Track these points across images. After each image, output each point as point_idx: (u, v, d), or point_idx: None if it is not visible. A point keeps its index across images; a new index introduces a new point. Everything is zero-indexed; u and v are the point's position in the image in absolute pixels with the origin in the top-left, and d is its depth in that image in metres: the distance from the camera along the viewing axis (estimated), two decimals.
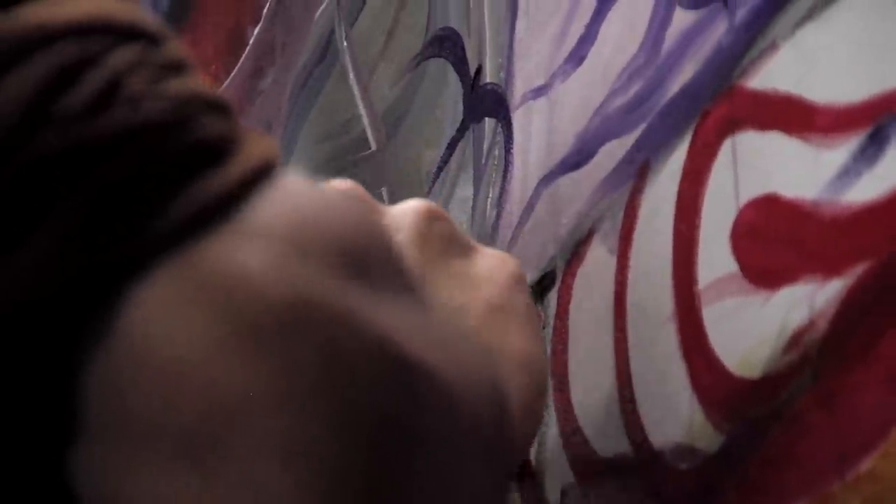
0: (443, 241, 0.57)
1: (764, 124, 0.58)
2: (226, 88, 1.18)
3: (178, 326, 0.34)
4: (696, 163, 0.62)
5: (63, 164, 0.34)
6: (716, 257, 0.59)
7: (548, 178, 0.75)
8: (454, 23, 0.90)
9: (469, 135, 0.86)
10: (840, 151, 0.53)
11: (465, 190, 0.86)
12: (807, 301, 0.54)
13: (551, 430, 0.70)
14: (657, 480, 0.62)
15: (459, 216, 0.85)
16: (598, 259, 0.69)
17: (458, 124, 0.88)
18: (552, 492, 0.71)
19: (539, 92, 0.77)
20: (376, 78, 1.00)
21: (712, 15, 0.62)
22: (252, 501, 0.34)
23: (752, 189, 0.58)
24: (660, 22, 0.66)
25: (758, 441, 0.56)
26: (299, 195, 0.37)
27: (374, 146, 0.99)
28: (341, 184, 0.57)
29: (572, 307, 0.72)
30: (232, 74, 1.18)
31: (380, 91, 0.99)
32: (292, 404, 0.34)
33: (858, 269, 0.51)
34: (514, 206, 0.79)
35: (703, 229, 0.61)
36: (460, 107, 0.88)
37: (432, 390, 0.37)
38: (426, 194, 0.90)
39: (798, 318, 0.54)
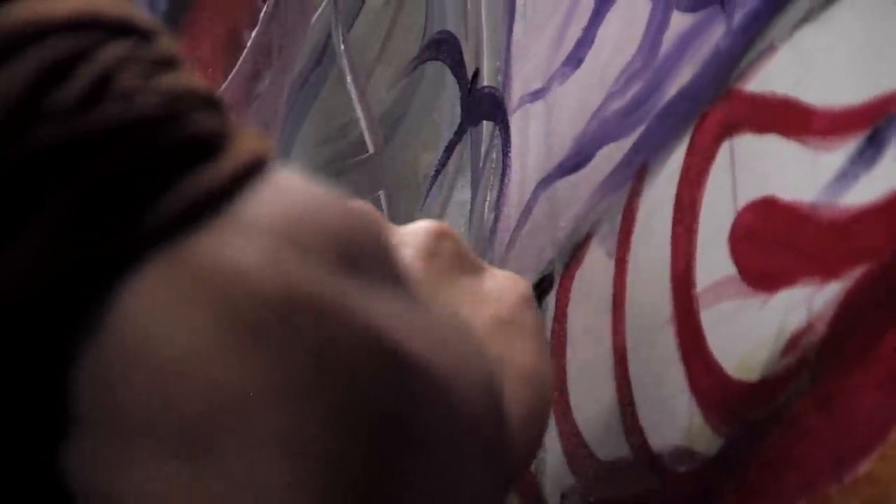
0: (452, 258, 0.57)
1: (762, 127, 0.58)
2: (223, 91, 1.18)
3: (170, 321, 0.34)
4: (694, 166, 0.62)
5: (54, 158, 0.34)
6: (714, 260, 0.59)
7: (546, 182, 0.75)
8: (452, 26, 0.90)
9: (467, 138, 0.86)
10: (838, 154, 0.53)
11: (462, 193, 0.86)
12: (805, 304, 0.54)
13: (550, 433, 0.70)
14: (656, 483, 0.62)
15: (457, 220, 0.85)
16: (597, 262, 0.69)
17: (455, 127, 0.88)
18: (552, 495, 0.71)
19: (536, 95, 0.77)
20: (374, 81, 1.00)
21: (710, 18, 0.62)
22: (248, 497, 0.34)
23: (750, 192, 0.58)
24: (657, 25, 0.66)
25: (756, 444, 0.56)
26: (292, 190, 0.37)
27: (371, 149, 0.99)
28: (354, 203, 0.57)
29: (570, 310, 0.72)
30: (229, 77, 1.18)
31: (377, 94, 0.99)
32: (288, 399, 0.34)
33: (856, 272, 0.51)
34: (511, 209, 0.79)
35: (701, 232, 0.61)
36: (458, 110, 0.88)
37: (429, 386, 0.37)
38: (424, 198, 0.90)
39: (796, 320, 0.54)
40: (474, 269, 0.58)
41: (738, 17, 0.60)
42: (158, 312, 0.34)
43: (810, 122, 0.54)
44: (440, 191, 0.89)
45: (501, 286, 0.57)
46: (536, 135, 0.77)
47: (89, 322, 0.34)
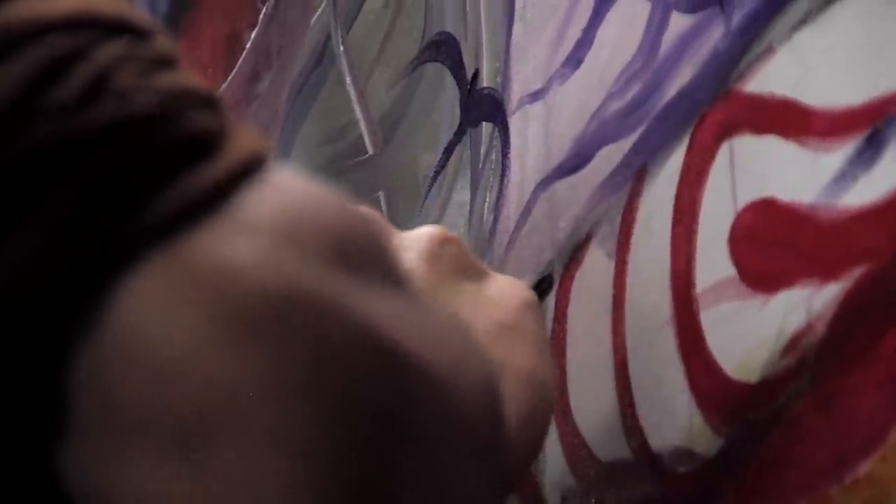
0: (455, 263, 0.57)
1: (761, 128, 0.58)
2: (223, 92, 1.18)
3: (166, 320, 0.34)
4: (694, 167, 0.62)
5: (51, 157, 0.34)
6: (714, 261, 0.59)
7: (545, 183, 0.75)
8: (451, 27, 0.90)
9: (466, 139, 0.86)
10: (837, 155, 0.53)
11: (462, 194, 0.86)
12: (804, 305, 0.54)
13: (551, 434, 0.70)
14: (656, 484, 0.63)
15: (456, 220, 0.85)
16: (596, 263, 0.69)
17: (455, 128, 0.88)
18: (552, 496, 0.71)
19: (536, 96, 0.77)
20: (373, 82, 1.00)
21: (709, 19, 0.62)
22: (244, 496, 0.34)
23: (750, 193, 0.58)
24: (657, 26, 0.66)
25: (756, 444, 0.56)
26: (289, 188, 0.37)
27: (370, 150, 0.99)
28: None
29: (570, 311, 0.72)
30: (229, 78, 1.18)
31: (376, 95, 0.99)
32: (285, 397, 0.34)
33: (856, 273, 0.51)
34: (511, 210, 0.79)
35: (700, 233, 0.61)
36: (457, 111, 0.88)
37: (426, 385, 0.37)
38: (423, 199, 0.90)
39: (796, 321, 0.54)
40: (478, 275, 0.58)
41: (737, 18, 0.60)
42: (155, 311, 0.34)
43: (809, 123, 0.54)
44: (439, 192, 0.89)
45: (504, 291, 0.57)
46: (536, 136, 0.77)
47: (85, 321, 0.34)
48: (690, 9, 0.63)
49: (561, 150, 0.74)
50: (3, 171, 0.34)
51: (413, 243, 0.57)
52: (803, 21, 0.55)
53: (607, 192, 0.69)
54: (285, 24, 1.12)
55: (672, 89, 0.64)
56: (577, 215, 0.71)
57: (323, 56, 1.07)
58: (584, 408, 0.69)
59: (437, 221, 0.88)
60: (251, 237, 0.35)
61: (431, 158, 0.90)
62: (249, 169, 0.36)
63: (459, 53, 0.88)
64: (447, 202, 0.88)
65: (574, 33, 0.73)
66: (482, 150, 0.83)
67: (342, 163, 1.02)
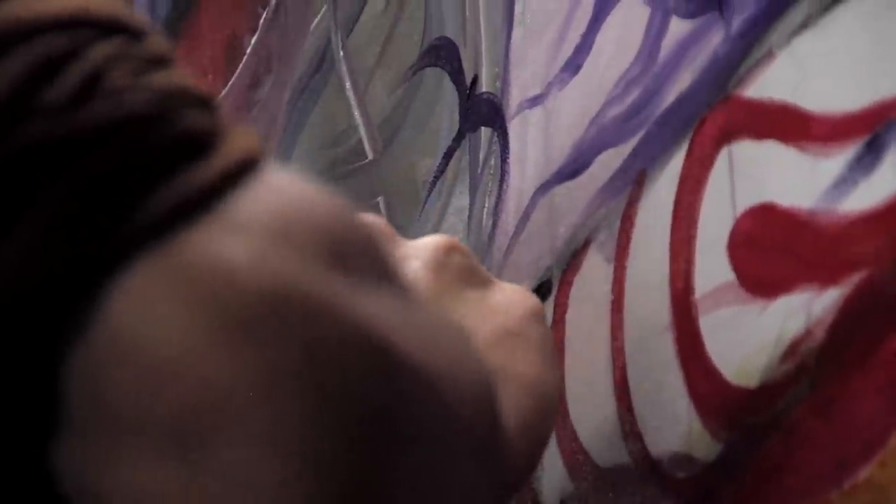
0: (460, 271, 0.57)
1: (760, 133, 0.58)
2: (223, 98, 1.18)
3: (160, 319, 0.34)
4: (693, 172, 0.62)
5: (45, 156, 0.34)
6: (713, 266, 0.59)
7: (544, 188, 0.75)
8: (450, 32, 0.90)
9: (465, 144, 0.86)
10: (836, 160, 0.53)
11: (461, 199, 0.86)
12: (804, 310, 0.54)
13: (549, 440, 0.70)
14: (655, 490, 0.62)
15: (455, 226, 0.85)
16: (595, 268, 0.69)
17: (454, 134, 0.88)
18: (550, 502, 0.71)
19: (535, 101, 0.77)
20: (372, 87, 1.00)
21: (708, 24, 0.62)
22: (239, 496, 0.34)
23: (749, 198, 0.58)
24: (656, 31, 0.66)
25: (755, 450, 0.56)
26: (283, 188, 0.37)
27: (370, 155, 0.99)
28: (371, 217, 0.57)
29: (569, 317, 0.72)
30: (229, 84, 1.18)
31: (376, 101, 0.99)
32: (279, 396, 0.34)
33: (855, 278, 0.51)
34: (510, 215, 0.79)
35: (699, 238, 0.61)
36: (456, 116, 0.88)
37: (420, 385, 0.37)
38: (422, 204, 0.90)
39: (795, 326, 0.54)
40: (483, 283, 0.58)
41: (737, 23, 0.60)
42: (149, 310, 0.34)
43: (809, 128, 0.54)
44: (439, 197, 0.89)
45: (509, 299, 0.57)
46: (535, 141, 0.77)
47: (79, 320, 0.34)
48: (690, 14, 0.63)
49: (560, 155, 0.74)
50: None
51: (418, 252, 0.57)
52: (803, 26, 0.55)
53: (606, 198, 0.69)
54: (285, 29, 1.12)
55: (671, 94, 0.64)
56: (576, 220, 0.71)
57: (323, 61, 1.07)
58: (583, 413, 0.69)
59: (436, 226, 0.88)
60: (246, 237, 0.35)
61: (431, 163, 0.90)
62: (244, 169, 0.36)
63: (459, 59, 0.88)
64: (446, 207, 0.88)
65: (573, 38, 0.73)
66: (481, 156, 0.83)
67: (342, 168, 1.02)
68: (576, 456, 0.69)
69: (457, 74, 0.88)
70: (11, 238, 0.34)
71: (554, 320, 0.72)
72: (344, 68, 1.03)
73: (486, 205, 0.82)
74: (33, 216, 0.34)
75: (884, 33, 0.51)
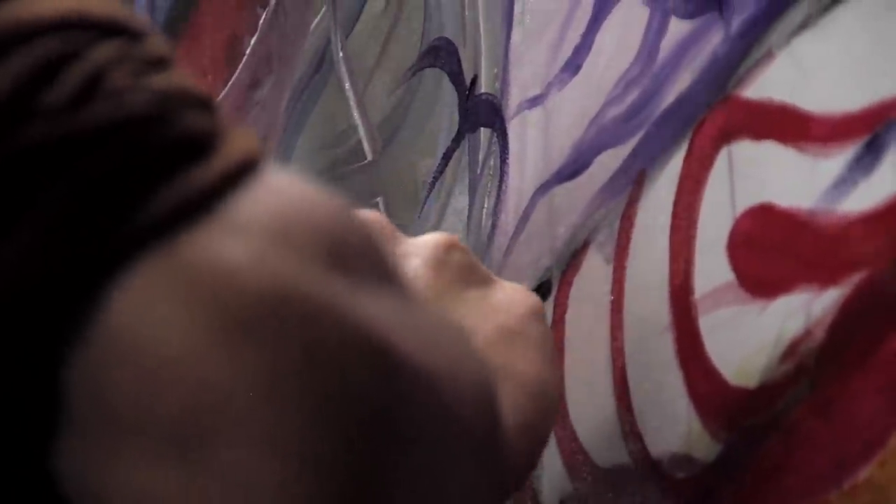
0: (461, 269, 0.57)
1: (759, 134, 0.58)
2: (223, 99, 1.18)
3: (160, 320, 0.34)
4: (693, 172, 0.62)
5: (45, 157, 0.34)
6: (712, 267, 0.59)
7: (543, 188, 0.75)
8: (450, 33, 0.90)
9: (464, 145, 0.86)
10: (836, 161, 0.53)
11: (460, 200, 0.86)
12: (803, 310, 0.54)
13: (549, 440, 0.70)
14: (655, 490, 0.62)
15: (455, 226, 0.85)
16: (595, 269, 0.69)
17: (453, 134, 0.88)
18: (550, 502, 0.71)
19: (535, 101, 0.77)
20: (372, 88, 1.00)
21: (708, 24, 0.62)
22: (239, 496, 0.34)
23: (749, 198, 0.58)
24: (655, 31, 0.66)
25: (755, 450, 0.56)
26: (283, 189, 0.37)
27: (369, 156, 0.99)
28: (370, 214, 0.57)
29: (568, 317, 0.72)
30: (229, 85, 1.18)
31: (375, 101, 0.99)
32: (278, 397, 0.34)
33: (855, 278, 0.51)
34: (509, 216, 0.79)
35: (699, 239, 0.61)
36: (456, 117, 0.88)
37: (419, 385, 0.37)
38: (421, 204, 0.90)
39: (795, 327, 0.54)
40: (484, 282, 0.58)
41: (736, 23, 0.60)
42: (149, 311, 0.34)
43: (808, 128, 0.54)
44: (438, 197, 0.89)
45: (510, 298, 0.57)
46: (534, 141, 0.77)
47: (80, 320, 0.34)
48: (689, 14, 0.63)
49: (559, 155, 0.74)
50: None
51: (419, 250, 0.57)
52: (802, 26, 0.55)
53: (606, 198, 0.69)
54: (285, 30, 1.12)
55: (671, 95, 0.64)
56: (576, 221, 0.71)
57: (322, 62, 1.07)
58: (583, 413, 0.69)
59: (435, 227, 0.88)
60: (245, 238, 0.35)
61: (430, 164, 0.90)
62: (244, 170, 0.36)
63: (458, 59, 0.88)
64: (446, 207, 0.88)
65: (573, 39, 0.73)
66: (481, 156, 0.83)
67: (341, 168, 1.02)
68: (575, 456, 0.69)
69: (456, 75, 0.88)
70: (11, 239, 0.34)
71: (554, 320, 0.72)
72: (343, 69, 1.03)
73: (486, 205, 0.82)
74: (33, 217, 0.34)
75: (883, 33, 0.51)
